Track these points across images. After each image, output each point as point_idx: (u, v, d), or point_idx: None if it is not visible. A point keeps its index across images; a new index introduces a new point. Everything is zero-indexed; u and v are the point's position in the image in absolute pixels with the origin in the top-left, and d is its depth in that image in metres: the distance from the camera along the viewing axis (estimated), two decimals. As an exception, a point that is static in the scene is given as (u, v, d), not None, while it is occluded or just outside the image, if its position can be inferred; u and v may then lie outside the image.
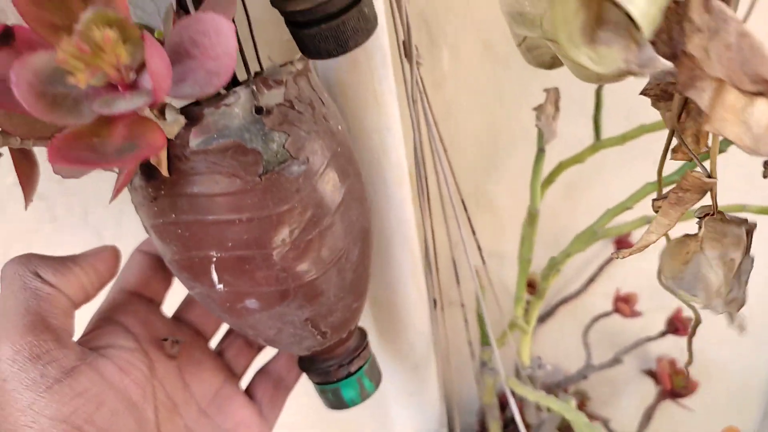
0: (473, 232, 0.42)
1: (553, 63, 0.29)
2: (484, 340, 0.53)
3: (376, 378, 0.44)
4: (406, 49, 0.35)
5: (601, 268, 0.63)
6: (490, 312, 0.52)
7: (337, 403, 0.42)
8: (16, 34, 0.20)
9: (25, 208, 0.32)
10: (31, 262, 0.33)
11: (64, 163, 0.18)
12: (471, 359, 0.56)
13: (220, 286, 0.34)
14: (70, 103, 0.19)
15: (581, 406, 0.68)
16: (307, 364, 0.42)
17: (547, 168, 0.52)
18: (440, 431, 0.64)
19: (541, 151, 0.40)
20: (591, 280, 0.63)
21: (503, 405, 0.60)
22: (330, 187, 0.34)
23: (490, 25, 0.46)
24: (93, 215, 0.47)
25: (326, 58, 0.31)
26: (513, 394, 0.45)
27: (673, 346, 0.69)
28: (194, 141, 0.30)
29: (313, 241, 0.34)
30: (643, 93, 0.24)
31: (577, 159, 0.42)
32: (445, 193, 0.40)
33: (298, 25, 0.30)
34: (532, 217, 0.42)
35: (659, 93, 0.23)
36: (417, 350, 0.55)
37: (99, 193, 0.46)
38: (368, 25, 0.30)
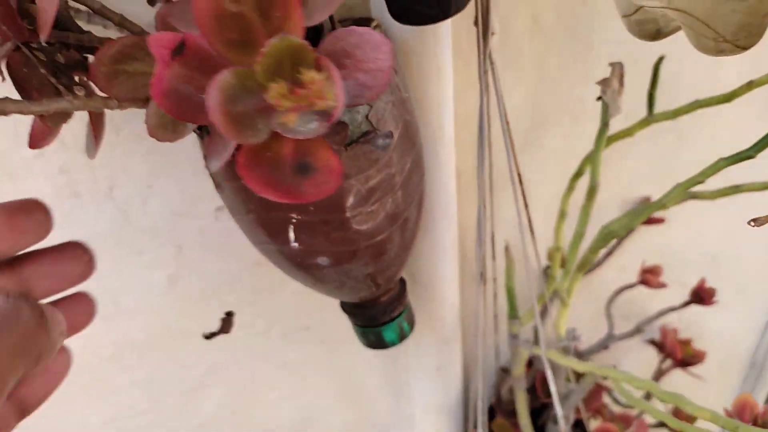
0: (526, 206, 0.45)
1: (657, 35, 0.31)
2: (512, 314, 0.56)
3: (412, 322, 0.47)
4: (484, 19, 0.36)
5: (619, 242, 0.65)
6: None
7: (377, 343, 0.46)
8: (186, 45, 0.20)
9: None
10: None
11: (254, 184, 0.19)
12: (494, 333, 0.59)
13: (295, 244, 0.36)
14: (248, 120, 0.20)
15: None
16: (353, 309, 0.45)
17: (586, 144, 0.55)
18: (457, 404, 0.68)
19: (604, 125, 0.42)
20: (609, 253, 0.66)
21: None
22: (401, 156, 0.36)
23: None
24: (119, 190, 0.47)
25: (426, 24, 0.31)
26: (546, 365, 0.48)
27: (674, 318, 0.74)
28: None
29: (384, 206, 0.36)
30: None
31: (628, 132, 0.45)
32: (503, 168, 0.42)
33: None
34: (591, 191, 0.45)
35: None
36: (447, 324, 0.58)
37: (127, 166, 0.46)
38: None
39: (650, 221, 0.57)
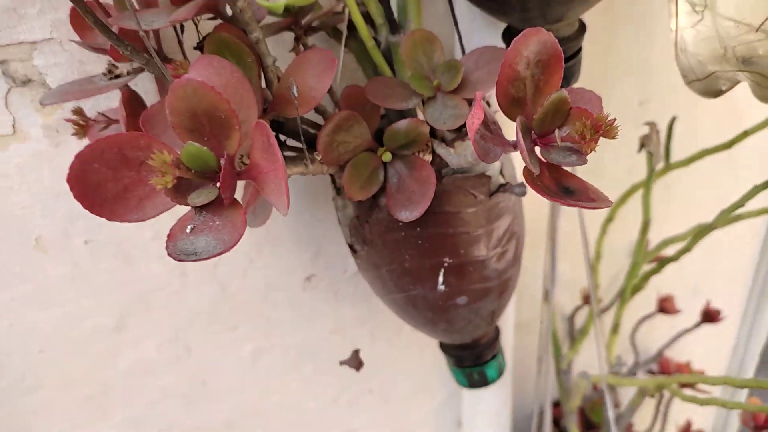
0: (588, 246, 0.52)
1: (719, 93, 0.40)
2: (557, 352, 0.62)
3: (505, 359, 0.52)
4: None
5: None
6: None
7: (480, 381, 0.50)
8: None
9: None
10: None
11: (552, 198, 0.25)
12: (537, 372, 0.64)
13: (442, 287, 0.41)
14: (529, 156, 0.26)
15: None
16: (460, 351, 0.49)
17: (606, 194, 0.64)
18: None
19: (652, 171, 0.51)
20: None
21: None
22: (519, 200, 0.43)
23: None
24: (223, 267, 0.50)
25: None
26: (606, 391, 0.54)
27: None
28: (451, 166, 0.37)
29: (512, 246, 0.42)
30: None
31: (654, 178, 0.54)
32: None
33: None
34: (645, 226, 0.53)
35: None
36: (507, 369, 0.63)
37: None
38: (580, 69, 0.39)
39: (656, 258, 0.67)
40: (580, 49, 0.38)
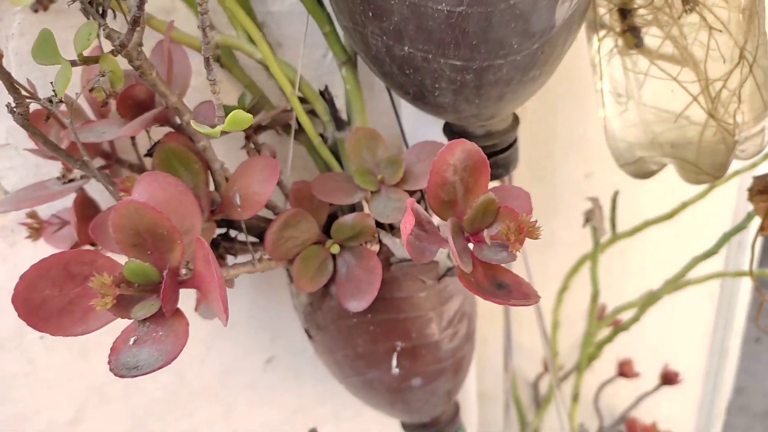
0: (541, 317, 0.54)
1: (650, 174, 0.43)
2: (522, 421, 0.63)
3: None
4: (509, 178, 0.47)
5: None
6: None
7: None
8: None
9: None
10: None
11: (484, 296, 0.27)
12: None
13: (396, 370, 0.42)
14: (462, 254, 0.28)
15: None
16: (417, 430, 0.50)
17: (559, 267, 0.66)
18: None
19: (597, 244, 0.54)
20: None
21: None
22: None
23: None
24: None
25: (493, 180, 0.41)
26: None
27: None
28: (397, 256, 0.39)
29: (464, 325, 0.44)
30: (749, 190, 0.38)
31: (600, 250, 0.57)
32: None
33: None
34: (594, 297, 0.55)
35: (762, 189, 0.37)
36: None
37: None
38: (518, 156, 0.42)
39: (615, 323, 0.69)
40: (515, 140, 0.41)
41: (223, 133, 0.33)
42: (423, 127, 0.46)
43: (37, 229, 0.37)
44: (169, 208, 0.26)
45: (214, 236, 0.37)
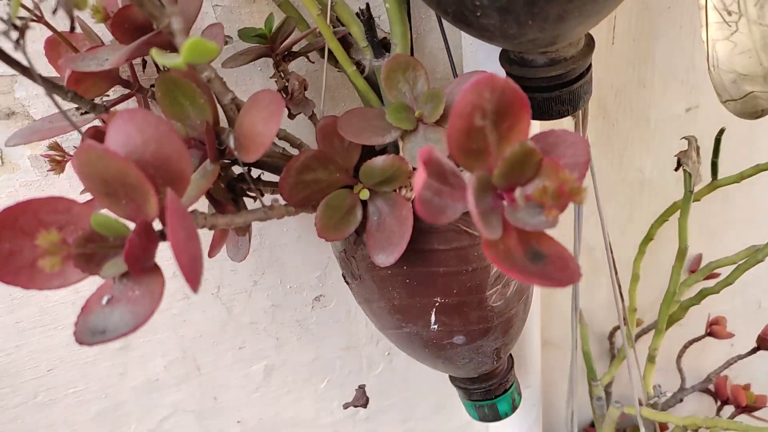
0: (616, 270, 0.47)
1: (761, 114, 0.35)
2: (592, 376, 0.58)
3: (520, 392, 0.49)
4: (584, 109, 0.40)
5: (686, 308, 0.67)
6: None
7: (492, 416, 0.47)
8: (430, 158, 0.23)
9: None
10: None
11: (507, 270, 0.22)
12: (570, 396, 0.60)
13: (435, 326, 0.38)
14: (488, 217, 0.23)
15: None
16: (469, 384, 0.46)
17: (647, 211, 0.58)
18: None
19: (689, 193, 0.46)
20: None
21: None
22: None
23: (604, 87, 0.51)
24: (226, 289, 0.49)
25: (556, 119, 0.35)
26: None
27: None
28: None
29: (513, 283, 0.39)
30: None
31: (696, 197, 0.48)
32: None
33: (535, 89, 0.34)
34: (681, 253, 0.48)
35: None
36: (534, 391, 0.60)
37: (235, 266, 0.48)
38: (591, 89, 0.35)
39: (710, 276, 0.60)
40: (588, 70, 0.34)
41: (261, 37, 0.29)
42: (485, 56, 0.39)
43: (59, 161, 0.35)
44: (147, 151, 0.23)
45: (235, 176, 0.34)
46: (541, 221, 0.23)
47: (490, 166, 0.24)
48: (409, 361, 0.60)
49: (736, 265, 0.48)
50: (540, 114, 0.35)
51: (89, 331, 0.21)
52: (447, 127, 0.32)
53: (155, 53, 0.20)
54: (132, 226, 0.22)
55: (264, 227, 0.47)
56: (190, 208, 0.26)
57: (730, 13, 0.34)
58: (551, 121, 0.37)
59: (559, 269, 0.23)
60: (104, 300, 0.23)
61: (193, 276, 0.20)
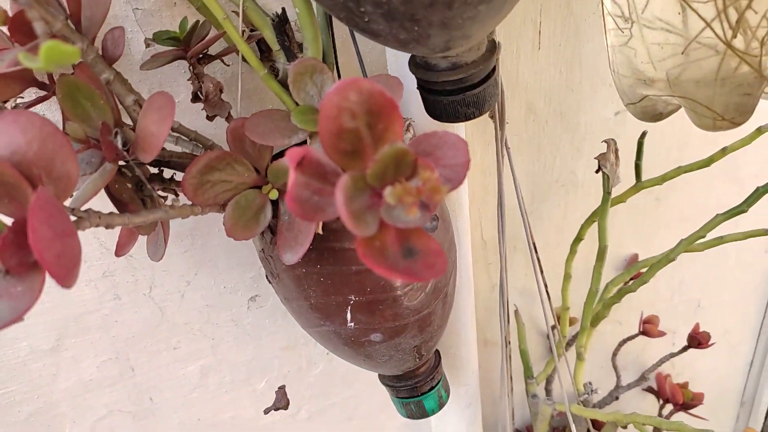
0: (541, 271, 0.49)
1: (659, 116, 0.36)
2: (528, 374, 0.59)
3: (448, 389, 0.50)
4: (501, 113, 0.41)
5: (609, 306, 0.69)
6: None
7: (419, 413, 0.48)
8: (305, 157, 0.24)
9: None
10: None
11: (376, 266, 0.23)
12: (508, 394, 0.61)
13: (351, 324, 0.39)
14: (361, 215, 0.24)
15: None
16: (394, 382, 0.47)
17: (580, 212, 0.60)
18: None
19: (607, 194, 0.47)
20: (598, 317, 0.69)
21: None
22: (442, 236, 0.40)
23: (533, 90, 0.52)
24: (158, 289, 0.49)
25: (463, 121, 0.36)
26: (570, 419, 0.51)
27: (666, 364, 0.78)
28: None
29: (429, 282, 0.40)
30: None
31: (621, 199, 0.50)
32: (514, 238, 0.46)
33: (440, 93, 0.35)
34: (601, 252, 0.49)
35: None
36: (471, 389, 0.61)
37: (167, 266, 0.49)
38: (497, 91, 0.36)
39: (636, 276, 0.62)
40: (491, 73, 0.35)
41: (174, 40, 0.30)
42: (405, 61, 0.40)
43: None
44: (30, 152, 0.24)
45: (149, 175, 0.35)
46: (412, 219, 0.24)
47: (366, 166, 0.25)
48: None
49: (647, 267, 0.49)
50: (447, 116, 0.36)
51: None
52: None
53: (23, 57, 0.20)
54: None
55: (195, 228, 0.48)
56: (84, 207, 0.27)
57: (625, 20, 0.35)
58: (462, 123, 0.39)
59: (426, 266, 0.24)
60: (-15, 295, 0.23)
61: (61, 271, 0.21)
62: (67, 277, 0.22)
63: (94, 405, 0.52)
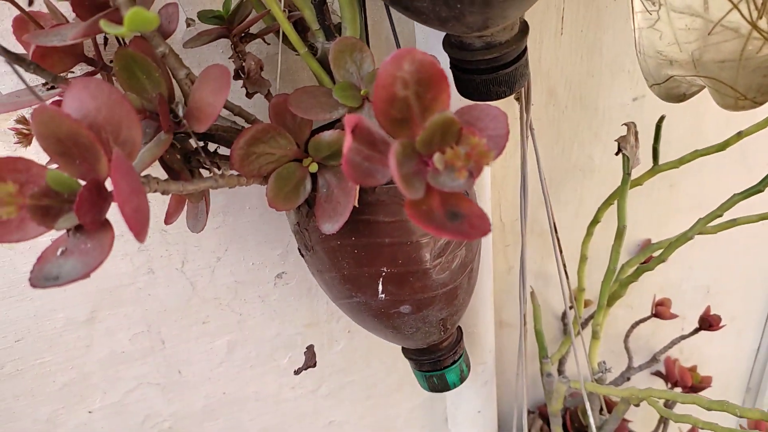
0: (561, 250, 0.50)
1: (683, 97, 0.38)
2: (543, 353, 0.61)
3: (469, 364, 0.52)
4: (527, 95, 0.43)
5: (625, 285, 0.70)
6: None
7: (441, 386, 0.50)
8: (358, 125, 0.26)
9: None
10: None
11: (425, 226, 0.24)
12: (519, 372, 0.63)
13: (382, 296, 0.40)
14: (410, 180, 0.26)
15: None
16: (418, 355, 0.49)
17: (597, 195, 0.61)
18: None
19: (627, 176, 0.49)
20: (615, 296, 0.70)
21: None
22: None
23: (554, 76, 0.54)
24: (190, 264, 0.51)
25: (495, 100, 0.38)
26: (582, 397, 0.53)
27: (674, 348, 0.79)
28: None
29: (457, 256, 0.41)
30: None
31: (637, 182, 0.52)
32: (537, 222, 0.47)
33: (473, 72, 0.36)
34: (620, 233, 0.51)
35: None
36: (488, 368, 0.63)
37: (199, 241, 0.50)
38: (527, 71, 0.38)
39: (648, 260, 0.64)
40: (522, 54, 0.37)
41: (218, 18, 0.31)
42: (435, 42, 0.42)
43: (26, 134, 0.37)
44: (99, 116, 0.25)
45: (192, 149, 0.36)
46: (458, 183, 0.26)
47: (414, 134, 0.26)
48: (369, 338, 0.63)
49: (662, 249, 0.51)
50: (479, 95, 0.38)
51: (43, 277, 0.24)
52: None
53: (104, 24, 0.22)
54: (86, 184, 0.24)
55: (227, 205, 0.49)
56: (144, 173, 0.29)
57: (653, 3, 0.37)
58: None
59: (470, 226, 0.25)
60: (59, 251, 0.25)
61: (137, 225, 0.23)
62: (141, 231, 0.23)
63: (125, 377, 0.54)
